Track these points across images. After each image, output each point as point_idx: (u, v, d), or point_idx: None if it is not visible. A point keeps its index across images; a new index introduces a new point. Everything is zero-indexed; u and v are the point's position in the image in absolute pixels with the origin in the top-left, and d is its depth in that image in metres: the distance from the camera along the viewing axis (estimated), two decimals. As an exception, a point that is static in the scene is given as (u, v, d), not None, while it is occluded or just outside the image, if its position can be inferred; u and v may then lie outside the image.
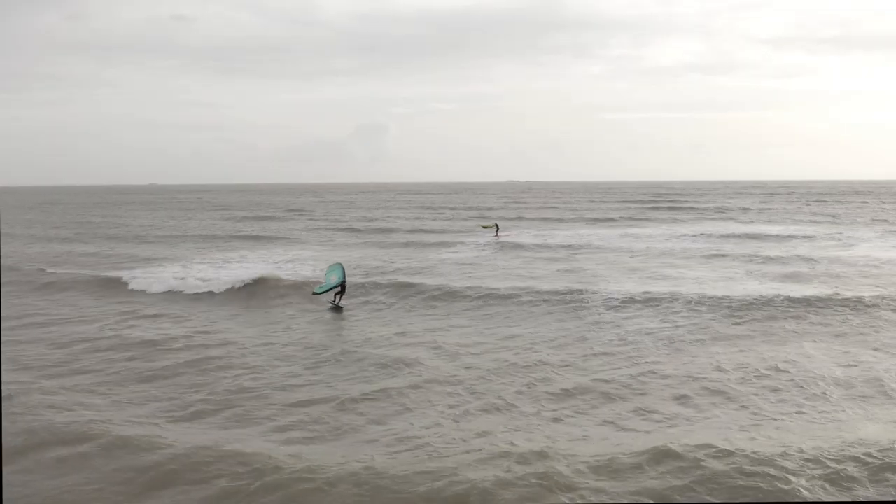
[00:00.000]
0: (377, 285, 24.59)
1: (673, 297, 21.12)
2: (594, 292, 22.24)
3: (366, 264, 31.32)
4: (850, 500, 9.06)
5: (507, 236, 43.21)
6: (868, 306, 19.63)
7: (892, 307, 19.58)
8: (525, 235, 44.20)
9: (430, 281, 25.09)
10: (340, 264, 23.01)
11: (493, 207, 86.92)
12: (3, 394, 12.26)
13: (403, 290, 23.68)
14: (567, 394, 13.08)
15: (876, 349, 15.93)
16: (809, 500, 8.95)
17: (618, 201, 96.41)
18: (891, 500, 9.17)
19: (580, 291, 22.43)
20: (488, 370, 14.64)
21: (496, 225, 46.91)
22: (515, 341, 17.22)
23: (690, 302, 20.54)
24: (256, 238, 45.64)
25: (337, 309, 21.53)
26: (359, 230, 51.91)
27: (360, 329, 19.31)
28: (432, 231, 50.27)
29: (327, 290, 21.76)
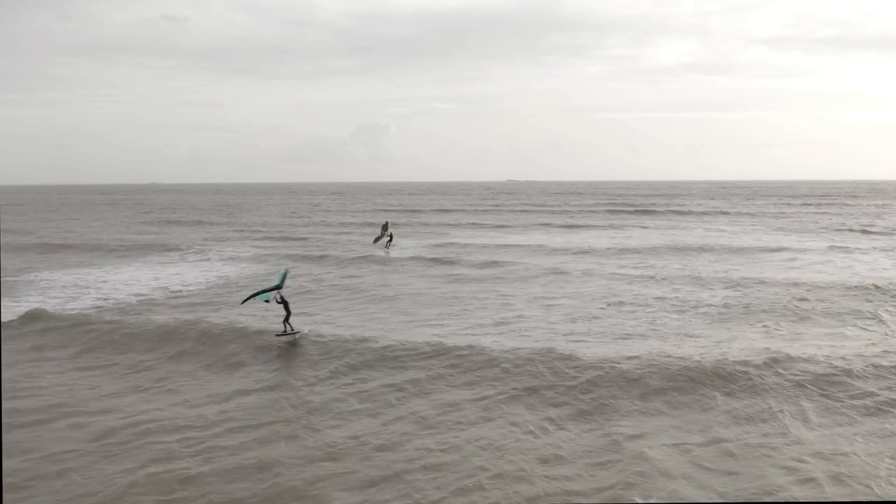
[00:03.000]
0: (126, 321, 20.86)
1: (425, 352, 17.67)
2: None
3: (213, 282, 28.59)
4: (850, 499, 9.09)
5: (400, 248, 39.26)
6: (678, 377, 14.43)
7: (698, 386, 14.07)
8: (422, 247, 40.73)
9: (243, 321, 21.54)
10: (285, 269, 19.50)
11: (449, 209, 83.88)
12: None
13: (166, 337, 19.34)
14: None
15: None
16: (810, 500, 9.02)
17: (590, 203, 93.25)
18: (891, 500, 9.24)
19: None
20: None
21: (390, 235, 39.24)
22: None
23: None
24: (147, 247, 42.51)
25: (289, 338, 17.70)
26: (272, 237, 49.07)
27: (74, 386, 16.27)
28: (338, 243, 47.19)
29: (251, 298, 17.98)
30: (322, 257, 36.28)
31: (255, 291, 18.51)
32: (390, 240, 39.13)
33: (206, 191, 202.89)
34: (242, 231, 55.82)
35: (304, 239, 47.59)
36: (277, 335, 18.01)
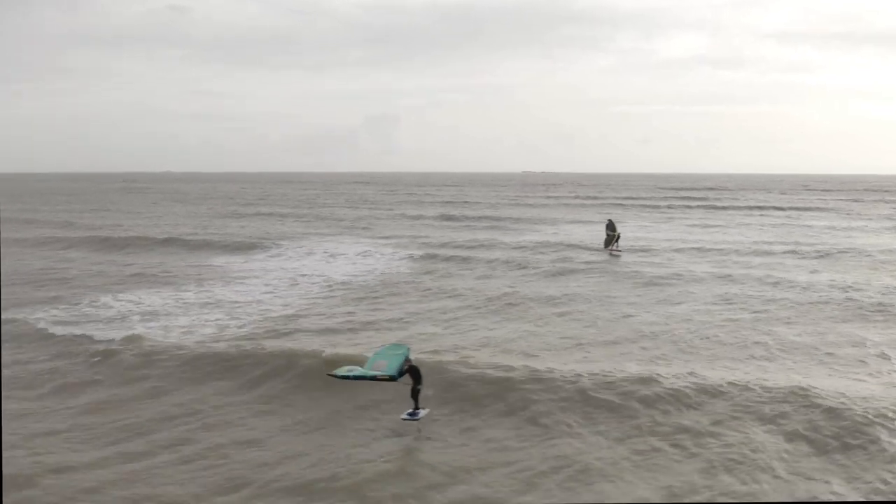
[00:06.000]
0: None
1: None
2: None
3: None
4: (851, 500, 8.89)
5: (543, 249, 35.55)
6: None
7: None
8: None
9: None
10: (406, 348, 13.19)
11: (518, 204, 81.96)
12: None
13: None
14: None
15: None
16: (809, 500, 8.91)
17: (656, 196, 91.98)
18: (891, 500, 9.00)
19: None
20: None
21: (618, 235, 34.43)
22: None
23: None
24: (256, 242, 39.92)
25: (413, 414, 12.64)
26: (389, 236, 46.67)
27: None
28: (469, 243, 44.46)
29: (356, 378, 12.63)
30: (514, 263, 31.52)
31: (360, 374, 12.74)
32: (617, 239, 34.56)
33: (223, 180, 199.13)
34: (341, 223, 53.78)
35: (432, 239, 42.84)
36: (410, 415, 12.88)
